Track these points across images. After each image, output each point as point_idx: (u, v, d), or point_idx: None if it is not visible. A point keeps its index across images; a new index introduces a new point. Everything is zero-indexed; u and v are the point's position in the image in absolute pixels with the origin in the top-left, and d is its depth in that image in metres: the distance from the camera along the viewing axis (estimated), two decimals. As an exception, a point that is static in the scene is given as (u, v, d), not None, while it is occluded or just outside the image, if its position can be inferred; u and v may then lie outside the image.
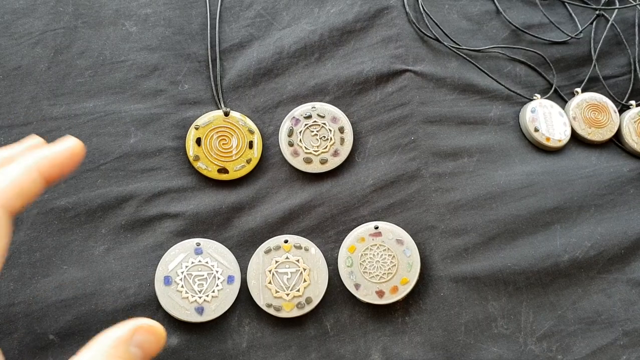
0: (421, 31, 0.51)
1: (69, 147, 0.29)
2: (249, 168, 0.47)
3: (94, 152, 0.45)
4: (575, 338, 0.44)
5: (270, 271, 0.43)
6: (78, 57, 0.48)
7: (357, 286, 0.43)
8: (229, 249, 0.44)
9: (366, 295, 0.43)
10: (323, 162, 0.47)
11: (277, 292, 0.43)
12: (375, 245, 0.44)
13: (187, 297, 0.41)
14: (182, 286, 0.42)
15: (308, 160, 0.47)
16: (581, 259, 0.46)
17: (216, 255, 0.43)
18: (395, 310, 0.43)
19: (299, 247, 0.44)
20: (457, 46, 0.52)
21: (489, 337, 0.43)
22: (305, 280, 0.43)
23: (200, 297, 0.42)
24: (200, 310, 0.41)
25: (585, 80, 0.55)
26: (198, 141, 0.46)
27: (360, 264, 0.43)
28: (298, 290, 0.43)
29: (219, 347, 0.42)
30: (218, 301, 0.42)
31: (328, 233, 0.45)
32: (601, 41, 0.56)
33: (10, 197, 0.24)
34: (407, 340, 0.42)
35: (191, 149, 0.46)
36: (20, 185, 0.25)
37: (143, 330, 0.27)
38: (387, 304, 0.43)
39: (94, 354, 0.25)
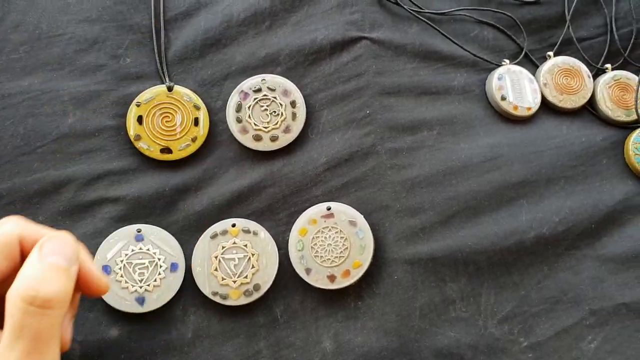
0: (379, -6, 0.48)
1: None
2: (195, 147, 0.44)
3: (30, 134, 0.42)
4: (538, 319, 0.42)
5: (216, 257, 0.41)
6: (12, 31, 0.44)
7: (308, 271, 0.41)
8: (174, 234, 0.41)
9: (317, 280, 0.40)
10: (274, 139, 0.44)
11: (223, 279, 0.40)
12: (327, 227, 0.41)
13: (127, 287, 0.39)
14: (121, 275, 0.39)
15: (258, 138, 0.44)
16: (548, 236, 0.44)
17: (158, 242, 0.41)
18: (348, 294, 0.41)
19: (248, 231, 0.42)
20: (419, 9, 0.48)
21: (445, 320, 0.41)
22: (253, 266, 0.41)
23: (141, 287, 0.39)
24: (141, 301, 0.39)
25: (559, 43, 0.51)
26: (139, 119, 0.43)
27: (312, 247, 0.41)
28: (246, 277, 0.41)
29: (162, 337, 0.40)
30: (160, 290, 0.40)
31: (279, 215, 0.43)
32: (576, 0, 0.52)
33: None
34: (360, 326, 0.40)
35: (132, 128, 0.43)
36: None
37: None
38: (339, 289, 0.41)
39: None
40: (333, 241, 0.41)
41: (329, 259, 0.41)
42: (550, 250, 0.44)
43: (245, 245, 0.41)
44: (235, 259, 0.41)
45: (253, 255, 0.41)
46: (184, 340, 0.40)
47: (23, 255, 0.30)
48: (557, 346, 0.41)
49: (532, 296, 0.42)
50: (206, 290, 0.40)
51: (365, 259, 0.41)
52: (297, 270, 0.41)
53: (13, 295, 0.26)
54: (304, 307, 0.41)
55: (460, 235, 0.42)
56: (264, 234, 0.42)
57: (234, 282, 0.40)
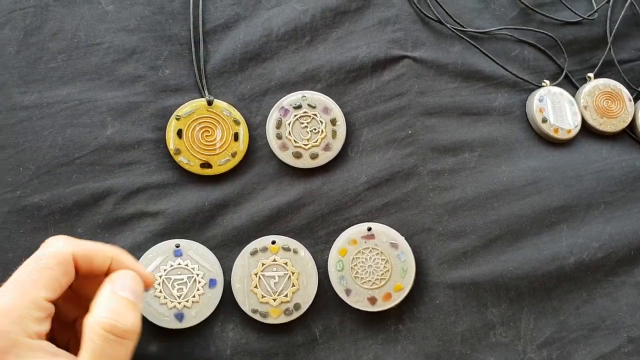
0: (422, 12, 0.47)
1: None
2: (234, 162, 0.43)
3: (69, 145, 0.42)
4: (577, 345, 0.42)
5: (256, 274, 0.41)
6: (50, 39, 0.44)
7: (348, 292, 0.41)
8: (212, 249, 0.41)
9: (357, 301, 0.40)
10: (313, 156, 0.43)
11: (263, 297, 0.40)
12: (368, 248, 0.41)
13: (166, 303, 0.39)
14: (160, 291, 0.39)
15: (297, 155, 0.43)
16: (588, 262, 0.44)
17: (197, 257, 0.40)
18: (389, 317, 0.41)
19: (288, 249, 0.41)
20: (461, 28, 0.48)
21: (486, 346, 0.41)
22: (293, 285, 0.41)
23: (179, 303, 0.39)
24: (180, 317, 0.39)
25: (599, 65, 0.51)
26: (179, 133, 0.43)
27: (352, 268, 0.41)
28: (286, 296, 0.40)
29: (201, 354, 0.40)
30: (199, 306, 0.39)
31: (318, 233, 0.43)
32: (618, 21, 0.51)
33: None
34: (400, 350, 0.40)
35: (172, 142, 0.43)
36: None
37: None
38: (380, 311, 0.40)
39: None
40: (374, 263, 0.41)
41: (370, 280, 0.40)
42: (589, 276, 0.44)
43: (286, 263, 0.41)
44: (275, 277, 0.41)
45: (293, 273, 0.41)
46: (223, 357, 0.40)
47: (77, 271, 0.32)
48: (596, 374, 0.41)
49: (570, 322, 0.42)
50: (246, 308, 0.40)
51: (407, 283, 0.40)
52: (337, 291, 0.41)
53: (93, 323, 0.29)
54: (343, 328, 0.41)
55: (502, 260, 0.42)
56: (304, 252, 0.41)
57: (274, 300, 0.40)
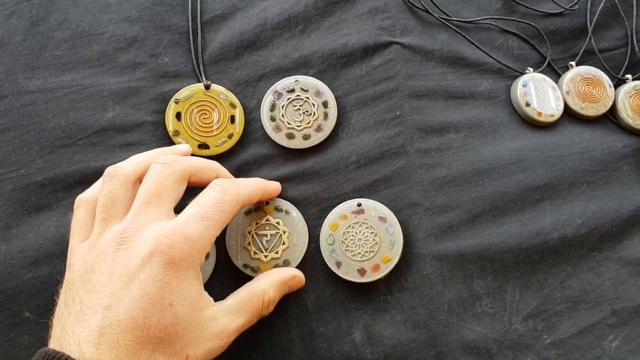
0: (409, 1, 0.49)
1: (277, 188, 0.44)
2: (231, 143, 0.45)
3: (71, 127, 0.44)
4: (561, 317, 0.43)
5: (249, 232, 0.43)
6: (55, 28, 0.46)
7: (338, 264, 0.42)
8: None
9: (348, 273, 0.42)
10: (306, 137, 0.45)
11: (255, 253, 0.42)
12: (358, 222, 0.43)
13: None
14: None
15: (290, 136, 0.45)
16: (571, 237, 0.45)
17: None
18: (378, 288, 0.42)
19: (280, 210, 0.43)
20: (447, 17, 0.50)
21: (472, 316, 0.42)
22: (284, 243, 0.43)
23: None
24: None
25: (580, 54, 0.53)
26: (178, 115, 0.45)
27: (342, 241, 0.42)
28: (276, 252, 0.42)
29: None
30: None
31: (310, 210, 0.44)
32: (597, 13, 0.54)
33: (249, 201, 0.40)
34: (389, 319, 0.41)
35: (171, 124, 0.45)
36: (252, 195, 0.40)
37: (296, 279, 0.40)
38: (369, 282, 0.42)
39: (267, 282, 0.38)
40: (363, 236, 0.42)
41: (360, 253, 0.42)
42: (573, 252, 0.45)
43: (278, 223, 0.43)
44: (267, 235, 0.43)
45: (285, 232, 0.43)
46: None
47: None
48: (580, 344, 0.43)
49: (555, 295, 0.44)
50: (238, 263, 0.42)
51: (394, 254, 0.42)
52: (328, 264, 0.42)
53: (260, 292, 0.37)
54: (334, 299, 0.42)
55: (487, 234, 0.43)
56: (295, 212, 0.43)
57: (265, 256, 0.42)
